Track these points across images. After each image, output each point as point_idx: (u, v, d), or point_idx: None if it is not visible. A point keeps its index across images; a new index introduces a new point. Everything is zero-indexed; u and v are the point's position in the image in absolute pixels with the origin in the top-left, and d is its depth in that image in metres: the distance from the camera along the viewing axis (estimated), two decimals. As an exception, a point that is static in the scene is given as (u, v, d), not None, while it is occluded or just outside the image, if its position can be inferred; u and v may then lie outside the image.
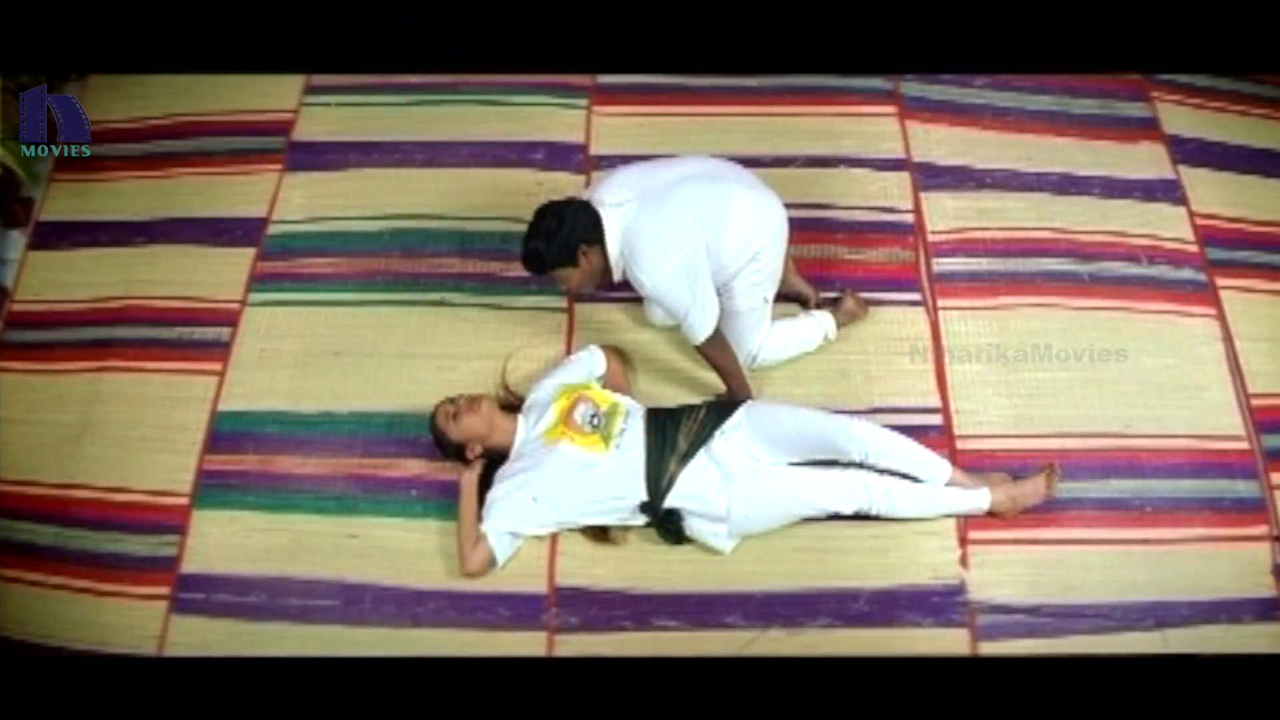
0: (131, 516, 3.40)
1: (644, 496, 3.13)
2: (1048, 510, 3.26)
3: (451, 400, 3.26)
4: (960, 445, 3.38)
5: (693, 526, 3.17)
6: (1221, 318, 3.66)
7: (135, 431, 3.55)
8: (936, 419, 3.43)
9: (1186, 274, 3.76)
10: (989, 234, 3.81)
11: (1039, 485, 3.23)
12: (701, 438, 3.16)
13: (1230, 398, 3.51)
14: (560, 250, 3.09)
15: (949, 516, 3.24)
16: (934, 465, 3.20)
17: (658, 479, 3.12)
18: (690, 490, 3.12)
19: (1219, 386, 3.54)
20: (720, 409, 3.24)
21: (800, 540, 3.22)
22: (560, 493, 3.15)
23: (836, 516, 3.19)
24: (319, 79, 4.29)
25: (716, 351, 3.29)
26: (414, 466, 3.40)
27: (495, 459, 3.28)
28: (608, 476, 3.14)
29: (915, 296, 3.69)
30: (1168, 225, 3.86)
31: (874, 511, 3.17)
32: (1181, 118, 4.15)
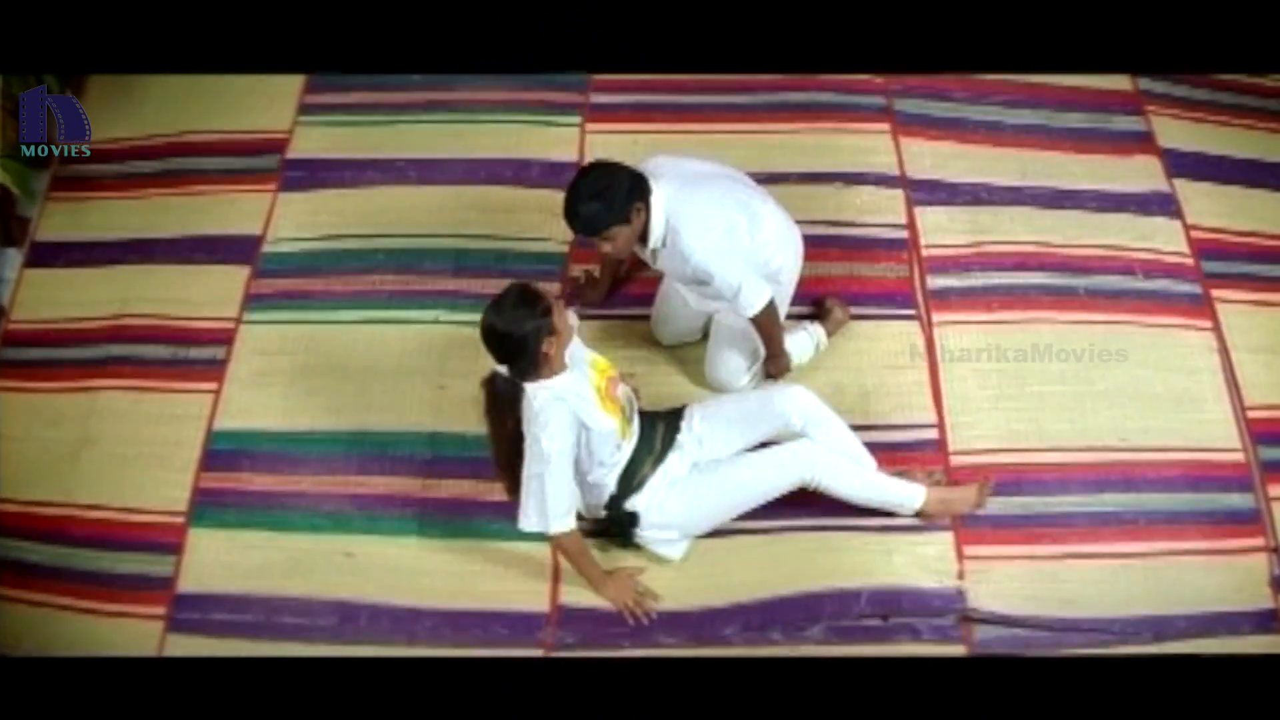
0: (127, 535, 3.39)
1: (614, 490, 3.11)
2: (1044, 524, 3.27)
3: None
4: (955, 460, 3.38)
5: (643, 533, 3.16)
6: (1217, 329, 3.66)
7: (131, 449, 3.55)
8: (932, 434, 3.43)
9: (1182, 286, 3.76)
10: (983, 249, 3.82)
11: (969, 494, 3.23)
12: (667, 444, 3.16)
13: (1226, 410, 3.51)
14: (617, 207, 2.98)
15: (883, 509, 3.21)
16: (864, 454, 3.21)
17: (630, 478, 3.11)
18: (649, 497, 3.12)
19: (1215, 398, 3.53)
20: (672, 416, 3.24)
21: (795, 554, 3.21)
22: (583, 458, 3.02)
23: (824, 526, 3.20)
24: (313, 98, 4.31)
25: (771, 319, 3.25)
26: (410, 485, 3.39)
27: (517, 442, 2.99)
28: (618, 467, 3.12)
29: (910, 311, 3.68)
30: (1163, 238, 3.87)
31: (814, 482, 3.10)
32: (1176, 130, 4.16)
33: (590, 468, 3.04)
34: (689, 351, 3.60)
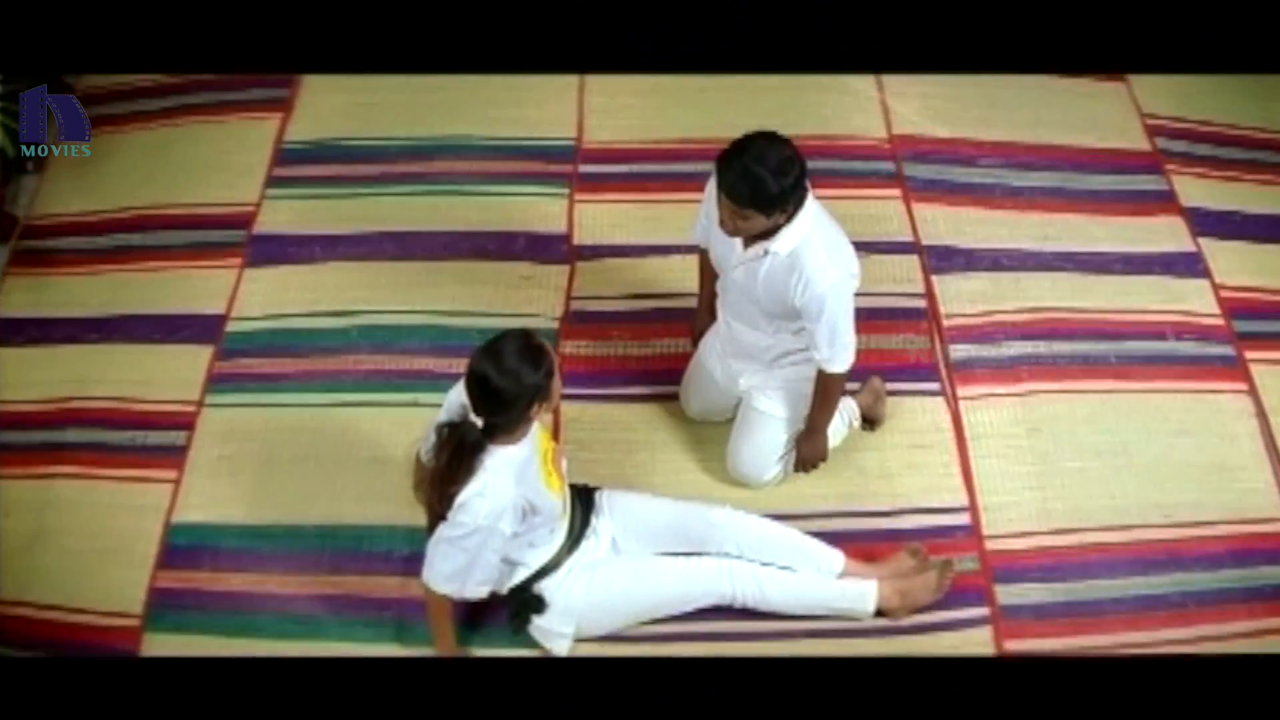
0: (81, 638, 3.17)
1: (531, 571, 2.90)
2: (1088, 612, 3.11)
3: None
4: (990, 545, 3.24)
5: (541, 622, 2.95)
6: (1253, 392, 3.58)
7: (86, 543, 3.37)
8: (964, 518, 3.29)
9: (1215, 349, 3.69)
10: (1007, 317, 3.76)
11: (930, 580, 3.03)
12: (583, 526, 2.98)
13: (1268, 476, 3.40)
14: (779, 193, 2.66)
15: (835, 616, 3.04)
16: (822, 557, 3.01)
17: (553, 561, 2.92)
18: (560, 582, 2.91)
19: (1256, 465, 3.43)
20: (585, 495, 3.05)
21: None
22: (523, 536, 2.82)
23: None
24: (282, 170, 4.24)
25: (839, 385, 3.08)
26: (387, 584, 3.19)
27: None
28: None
29: (933, 385, 3.58)
30: (1191, 299, 3.82)
31: (740, 602, 2.97)
32: (1198, 189, 4.14)
33: (518, 548, 2.83)
34: (707, 431, 3.46)
